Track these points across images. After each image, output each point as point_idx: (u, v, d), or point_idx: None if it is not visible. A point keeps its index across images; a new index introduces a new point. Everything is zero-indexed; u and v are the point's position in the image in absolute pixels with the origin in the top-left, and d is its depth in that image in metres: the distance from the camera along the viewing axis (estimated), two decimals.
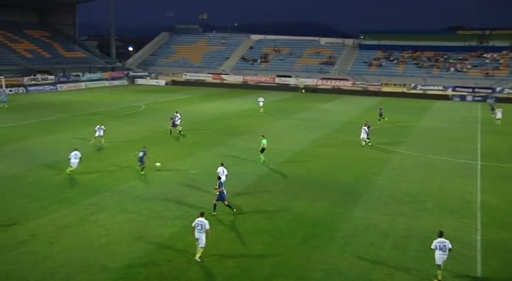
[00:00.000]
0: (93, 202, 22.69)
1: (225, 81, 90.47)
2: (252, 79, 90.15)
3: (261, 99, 56.70)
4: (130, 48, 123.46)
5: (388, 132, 43.76)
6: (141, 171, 27.45)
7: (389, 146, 37.63)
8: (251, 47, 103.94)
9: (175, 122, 39.79)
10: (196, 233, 17.02)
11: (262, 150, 30.91)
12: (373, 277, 16.26)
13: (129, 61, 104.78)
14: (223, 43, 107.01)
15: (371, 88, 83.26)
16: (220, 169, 24.02)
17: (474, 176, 29.30)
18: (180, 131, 39.63)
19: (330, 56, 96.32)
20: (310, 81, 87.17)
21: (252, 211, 22.22)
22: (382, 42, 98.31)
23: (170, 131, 39.60)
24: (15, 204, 22.23)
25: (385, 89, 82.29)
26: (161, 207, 22.24)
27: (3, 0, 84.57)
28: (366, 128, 37.24)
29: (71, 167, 26.94)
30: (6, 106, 54.36)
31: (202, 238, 16.92)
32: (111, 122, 44.02)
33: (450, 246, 15.94)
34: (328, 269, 16.69)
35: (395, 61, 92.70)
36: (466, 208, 23.41)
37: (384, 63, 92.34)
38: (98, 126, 34.82)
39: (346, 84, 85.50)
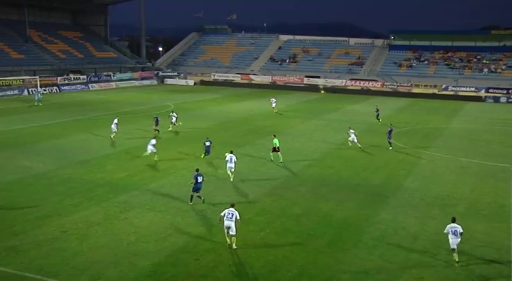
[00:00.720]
0: (122, 200, 23.03)
1: (254, 82, 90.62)
2: (280, 79, 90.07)
3: (273, 100, 55.72)
4: (160, 49, 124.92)
5: (418, 134, 43.10)
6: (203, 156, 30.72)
7: (419, 148, 37.04)
8: (280, 48, 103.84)
9: (173, 121, 41.42)
10: (226, 221, 17.71)
11: (274, 149, 31.14)
12: (401, 280, 16.04)
13: (159, 61, 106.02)
14: (252, 43, 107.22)
15: (401, 89, 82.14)
16: (228, 157, 26.38)
17: (508, 180, 28.56)
18: (174, 124, 41.43)
19: (359, 57, 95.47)
20: (339, 82, 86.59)
21: (279, 211, 22.18)
22: (413, 43, 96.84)
23: (157, 130, 39.18)
24: (48, 201, 22.74)
25: (415, 90, 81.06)
26: (188, 206, 22.40)
27: (41, 3, 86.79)
28: (352, 131, 36.51)
29: (148, 152, 30.03)
30: (41, 104, 55.85)
31: (233, 226, 17.63)
32: (141, 122, 44.59)
33: (461, 230, 17.22)
34: (355, 271, 16.53)
35: (426, 62, 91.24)
36: (499, 212, 22.84)
37: (414, 64, 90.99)
38: (171, 113, 41.80)
39: (376, 85, 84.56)
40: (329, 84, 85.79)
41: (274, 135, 32.36)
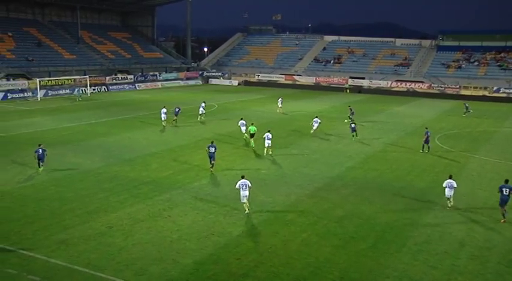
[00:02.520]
0: (166, 198, 23.45)
1: (297, 83, 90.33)
2: (324, 80, 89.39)
3: (280, 99, 55.86)
4: (205, 49, 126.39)
5: (466, 138, 41.84)
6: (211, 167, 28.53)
7: (467, 152, 35.95)
8: (324, 48, 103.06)
9: (176, 113, 44.77)
10: (242, 192, 21.33)
11: (251, 135, 35.36)
12: None
13: (204, 61, 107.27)
14: (297, 44, 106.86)
15: (448, 91, 79.91)
16: (266, 135, 32.62)
17: None
18: (175, 121, 44.26)
19: (406, 58, 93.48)
20: (384, 84, 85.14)
21: (322, 213, 22.04)
22: (463, 43, 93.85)
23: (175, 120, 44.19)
24: (95, 197, 23.44)
25: (464, 92, 78.65)
26: (231, 206, 22.57)
27: (92, 5, 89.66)
28: (316, 120, 40.63)
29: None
30: (80, 99, 60.54)
31: (247, 194, 21.39)
32: (185, 121, 45.26)
33: (455, 185, 22.95)
34: (398, 276, 16.21)
35: (476, 63, 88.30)
36: None
37: (463, 65, 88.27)
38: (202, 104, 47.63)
39: (422, 87, 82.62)
40: (373, 86, 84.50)
41: (252, 123, 36.32)
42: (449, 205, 23.03)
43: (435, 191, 25.84)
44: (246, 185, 21.32)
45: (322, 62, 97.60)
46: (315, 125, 40.54)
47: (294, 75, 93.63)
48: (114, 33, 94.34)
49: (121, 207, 22.09)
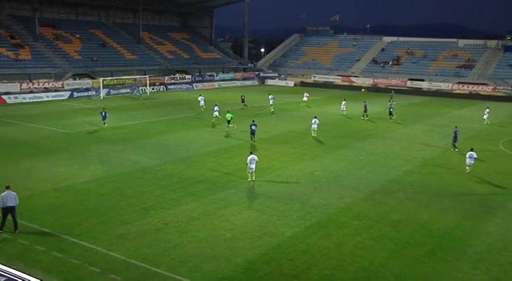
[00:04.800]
0: (220, 197, 23.75)
1: (354, 84, 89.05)
2: (382, 82, 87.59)
3: (306, 94, 60.79)
4: (262, 50, 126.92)
5: None
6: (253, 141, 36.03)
7: None
8: (383, 49, 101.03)
9: (201, 103, 52.72)
10: (250, 165, 25.74)
11: (228, 122, 40.52)
12: None
13: (260, 62, 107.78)
14: (354, 45, 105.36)
15: None
16: (313, 120, 39.33)
17: None
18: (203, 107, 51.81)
19: (469, 59, 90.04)
20: (445, 86, 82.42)
21: (377, 217, 21.63)
22: None
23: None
24: (152, 194, 24.08)
25: None
26: (284, 206, 22.57)
27: (153, 7, 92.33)
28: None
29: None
30: (143, 98, 63.45)
31: (254, 167, 25.83)
32: (243, 121, 45.61)
33: (476, 156, 28.89)
34: None
35: None
36: None
37: None
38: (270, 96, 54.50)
39: (486, 89, 79.32)
40: (433, 88, 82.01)
41: (228, 111, 41.69)
42: (467, 171, 28.97)
43: (498, 198, 24.80)
44: (253, 159, 25.82)
45: (380, 64, 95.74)
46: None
47: (350, 76, 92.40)
48: (173, 34, 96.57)
49: (177, 204, 22.57)
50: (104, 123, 41.38)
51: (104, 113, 41.84)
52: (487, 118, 49.71)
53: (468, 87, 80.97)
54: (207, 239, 18.68)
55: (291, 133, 40.96)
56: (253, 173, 26.12)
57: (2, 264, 13.90)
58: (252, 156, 26.04)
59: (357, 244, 18.65)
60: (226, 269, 16.34)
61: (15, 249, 17.39)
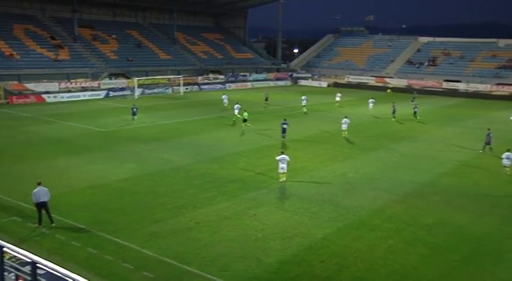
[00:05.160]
0: (252, 197, 23.81)
1: (388, 85, 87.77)
2: (417, 83, 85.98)
3: (338, 95, 61.24)
4: (296, 50, 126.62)
5: None
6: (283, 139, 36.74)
7: None
8: (418, 50, 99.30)
9: (224, 101, 55.73)
10: (281, 165, 25.66)
11: (244, 120, 41.89)
12: None
13: (294, 62, 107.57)
14: (389, 46, 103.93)
15: None
16: (344, 120, 39.58)
17: None
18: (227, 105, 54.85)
19: (510, 59, 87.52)
20: (483, 87, 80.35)
21: (410, 220, 21.27)
22: None
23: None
24: (184, 193, 24.34)
25: None
26: (316, 207, 22.46)
27: (188, 8, 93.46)
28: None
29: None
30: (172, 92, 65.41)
31: (285, 167, 25.70)
32: (275, 121, 45.60)
33: None
34: None
35: None
36: None
37: None
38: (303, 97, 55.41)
39: None
40: (471, 89, 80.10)
41: (245, 110, 43.34)
42: (507, 173, 28.41)
43: None
44: (284, 159, 25.74)
45: (415, 64, 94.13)
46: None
47: (385, 77, 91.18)
48: (207, 35, 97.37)
49: (208, 203, 22.75)
50: (133, 119, 44.23)
51: (134, 109, 44.87)
52: None
53: (508, 88, 78.72)
54: (238, 239, 18.76)
55: (324, 134, 40.71)
56: (285, 174, 26.08)
57: (43, 258, 14.32)
58: (282, 156, 26.08)
59: (389, 247, 18.39)
60: (257, 269, 16.37)
61: (53, 244, 17.92)
